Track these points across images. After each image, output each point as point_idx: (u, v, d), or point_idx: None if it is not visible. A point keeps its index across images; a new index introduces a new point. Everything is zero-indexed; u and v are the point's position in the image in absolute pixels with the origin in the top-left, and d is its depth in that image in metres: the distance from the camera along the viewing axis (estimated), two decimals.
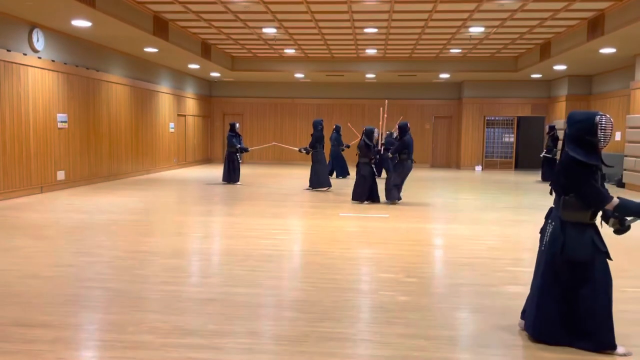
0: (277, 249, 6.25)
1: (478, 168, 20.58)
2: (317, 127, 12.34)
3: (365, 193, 10.23)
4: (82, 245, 6.35)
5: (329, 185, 12.35)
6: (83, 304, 4.24)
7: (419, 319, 3.94)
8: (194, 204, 10.28)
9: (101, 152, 13.35)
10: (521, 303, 4.36)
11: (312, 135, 12.40)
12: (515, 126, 20.64)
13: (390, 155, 10.30)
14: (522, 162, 21.17)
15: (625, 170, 13.65)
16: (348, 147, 15.33)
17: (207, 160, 21.78)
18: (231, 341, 3.50)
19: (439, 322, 3.90)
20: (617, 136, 15.48)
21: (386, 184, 10.32)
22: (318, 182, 12.21)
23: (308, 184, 12.51)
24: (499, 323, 3.88)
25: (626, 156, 13.58)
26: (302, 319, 3.93)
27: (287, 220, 8.37)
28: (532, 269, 5.68)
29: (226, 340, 3.51)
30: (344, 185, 13.46)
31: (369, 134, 10.29)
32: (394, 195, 10.14)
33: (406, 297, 4.46)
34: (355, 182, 10.35)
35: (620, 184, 13.92)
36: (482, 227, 7.84)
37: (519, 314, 4.05)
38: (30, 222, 7.69)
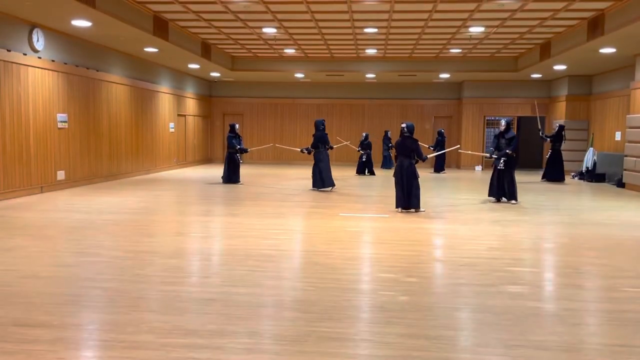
0: (277, 249, 6.24)
1: (478, 168, 20.59)
2: (319, 127, 12.27)
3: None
4: (82, 245, 6.35)
5: (333, 185, 12.25)
6: (83, 304, 4.23)
7: (419, 319, 3.93)
8: (194, 204, 10.28)
9: (101, 152, 13.35)
10: (521, 303, 4.36)
11: (313, 135, 12.35)
12: (515, 126, 20.62)
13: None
14: (522, 162, 21.14)
15: (625, 170, 13.64)
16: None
17: (207, 160, 21.78)
18: (231, 341, 3.49)
19: (439, 322, 3.89)
20: (617, 136, 15.50)
21: (514, 185, 10.41)
22: (322, 182, 12.12)
23: (312, 185, 12.43)
24: (499, 323, 3.87)
25: (626, 156, 13.57)
26: (302, 319, 3.92)
27: (287, 220, 8.36)
28: (532, 269, 5.73)
29: (226, 340, 3.51)
30: (345, 186, 13.47)
31: (412, 129, 9.32)
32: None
33: (406, 297, 4.46)
34: (415, 185, 9.13)
35: (620, 184, 13.92)
36: (482, 227, 7.83)
37: (519, 314, 4.05)
38: (30, 222, 7.69)
